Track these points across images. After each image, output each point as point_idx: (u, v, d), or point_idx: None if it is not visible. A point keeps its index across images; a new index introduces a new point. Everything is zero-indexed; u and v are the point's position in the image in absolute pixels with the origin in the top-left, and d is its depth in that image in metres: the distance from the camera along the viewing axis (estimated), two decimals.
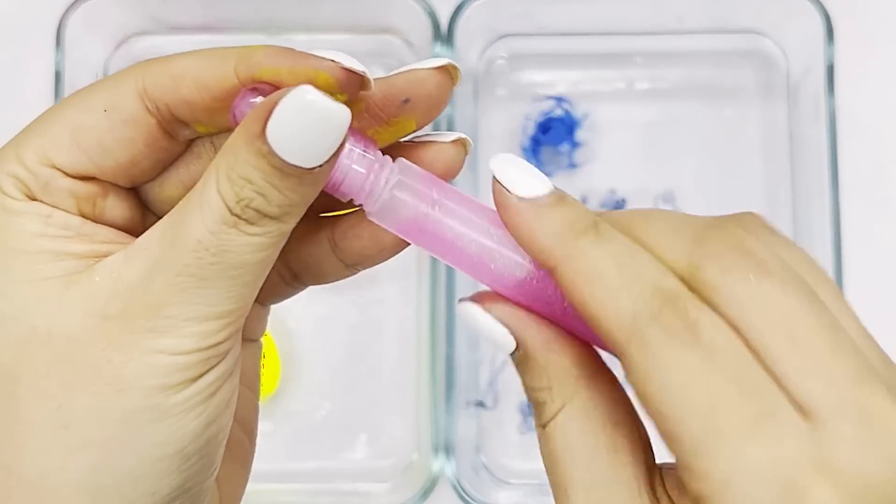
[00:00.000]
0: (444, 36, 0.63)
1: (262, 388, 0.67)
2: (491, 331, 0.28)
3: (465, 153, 0.32)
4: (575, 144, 0.67)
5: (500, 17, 0.67)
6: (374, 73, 0.72)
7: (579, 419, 0.28)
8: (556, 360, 0.28)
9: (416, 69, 0.29)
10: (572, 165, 0.67)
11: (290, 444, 0.66)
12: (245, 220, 0.25)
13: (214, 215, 0.25)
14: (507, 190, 0.28)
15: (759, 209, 0.69)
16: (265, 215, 0.25)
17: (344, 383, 0.66)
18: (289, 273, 0.32)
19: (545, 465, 0.28)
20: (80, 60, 0.65)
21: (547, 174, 0.70)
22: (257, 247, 0.26)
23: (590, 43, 0.69)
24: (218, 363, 0.26)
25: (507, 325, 0.28)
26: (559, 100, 0.68)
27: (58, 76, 0.64)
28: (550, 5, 0.67)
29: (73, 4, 0.64)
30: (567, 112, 0.67)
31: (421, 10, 0.64)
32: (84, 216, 0.27)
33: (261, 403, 0.68)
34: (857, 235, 0.67)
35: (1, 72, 0.70)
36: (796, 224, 0.67)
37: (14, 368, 0.26)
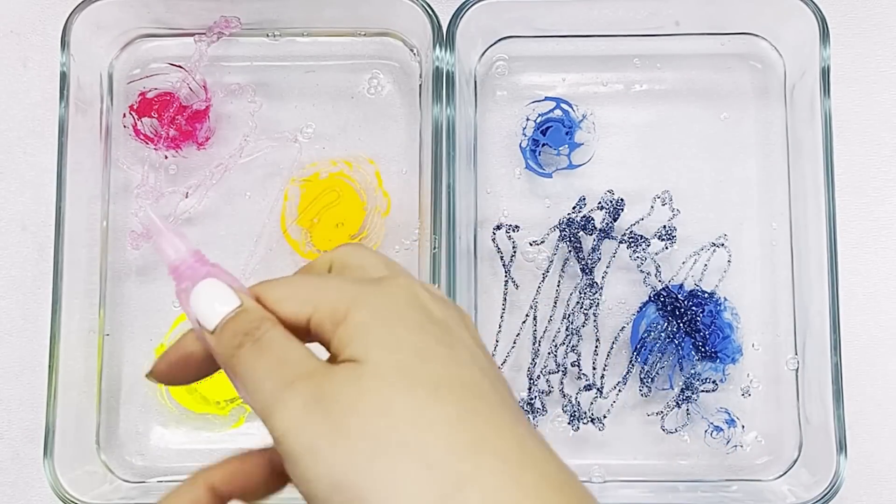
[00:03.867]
0: (444, 38, 0.64)
1: None
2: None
3: None
4: (574, 145, 0.68)
5: (499, 19, 0.67)
6: (376, 75, 0.73)
7: None
8: None
9: None
10: (571, 166, 0.68)
11: None
12: None
13: None
14: (201, 324, 0.39)
15: (756, 210, 0.70)
16: None
17: None
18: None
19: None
20: (86, 62, 0.66)
21: (546, 175, 0.71)
22: None
23: (588, 45, 0.69)
24: None
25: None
26: (558, 101, 0.68)
27: (63, 77, 0.64)
28: (549, 8, 0.67)
29: (78, 7, 0.65)
30: (566, 113, 0.68)
31: (421, 12, 0.64)
32: None
33: None
34: (853, 236, 0.68)
35: (7, 73, 0.70)
36: (792, 225, 0.67)
37: None
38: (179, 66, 0.69)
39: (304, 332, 0.39)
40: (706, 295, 0.66)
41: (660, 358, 0.66)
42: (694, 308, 0.65)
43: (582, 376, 0.66)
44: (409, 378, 0.35)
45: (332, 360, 0.37)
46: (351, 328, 0.37)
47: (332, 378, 0.36)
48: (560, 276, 0.67)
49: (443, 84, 0.63)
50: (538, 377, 0.66)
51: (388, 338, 0.36)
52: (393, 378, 0.35)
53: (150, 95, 0.68)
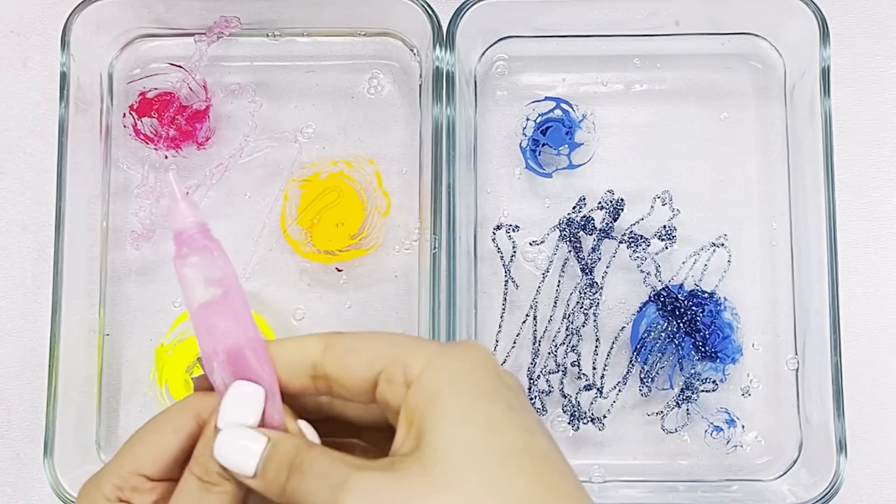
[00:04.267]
0: (444, 38, 0.64)
1: None
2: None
3: None
4: (573, 145, 0.68)
5: (499, 19, 0.67)
6: (376, 75, 0.72)
7: None
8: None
9: None
10: (571, 166, 0.68)
11: None
12: (210, 482, 0.38)
13: (192, 487, 0.38)
14: (239, 476, 0.39)
15: (756, 210, 0.70)
16: (223, 478, 0.38)
17: None
18: None
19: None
20: (86, 62, 0.66)
21: (546, 175, 0.71)
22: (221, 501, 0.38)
23: (588, 45, 0.69)
24: None
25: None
26: (558, 101, 0.68)
27: (63, 77, 0.64)
28: (549, 8, 0.67)
29: (78, 7, 0.65)
30: (566, 113, 0.68)
31: (421, 12, 0.64)
32: None
33: None
34: (853, 236, 0.68)
35: (7, 73, 0.70)
36: (792, 225, 0.67)
37: None
38: (179, 66, 0.69)
39: (367, 394, 0.38)
40: (706, 295, 0.66)
41: (660, 358, 0.66)
42: (694, 308, 0.65)
43: (582, 376, 0.66)
44: (479, 453, 0.35)
45: (400, 429, 0.37)
46: (424, 395, 0.36)
47: (394, 466, 0.35)
48: (560, 276, 0.67)
49: (443, 84, 0.63)
50: (538, 377, 0.66)
51: (459, 409, 0.36)
52: (460, 455, 0.35)
53: (150, 95, 0.68)
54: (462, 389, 0.36)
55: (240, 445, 0.38)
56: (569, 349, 0.66)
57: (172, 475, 0.40)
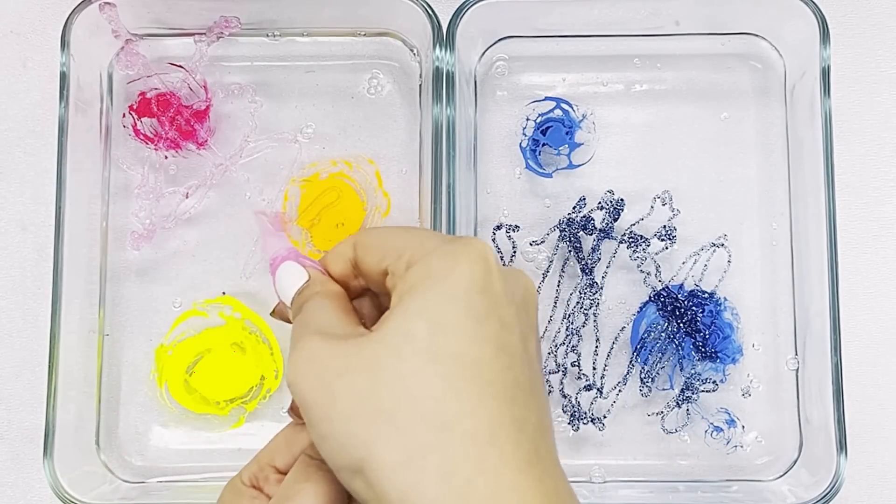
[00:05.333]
0: (444, 38, 0.64)
1: (264, 384, 0.68)
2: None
3: None
4: (573, 145, 0.68)
5: (499, 19, 0.67)
6: (376, 75, 0.73)
7: None
8: None
9: None
10: (571, 166, 0.68)
11: None
12: (319, 458, 0.40)
13: (303, 463, 0.41)
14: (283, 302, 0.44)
15: (756, 210, 0.70)
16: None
17: None
18: None
19: None
20: (85, 62, 0.66)
21: (546, 175, 0.71)
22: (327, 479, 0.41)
23: (588, 45, 0.69)
24: None
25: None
26: (558, 101, 0.68)
27: (63, 77, 0.64)
28: (550, 8, 0.67)
29: (78, 7, 0.65)
30: (566, 113, 0.68)
31: (421, 12, 0.64)
32: None
33: (263, 400, 0.69)
34: (853, 236, 0.68)
35: (7, 73, 0.70)
36: (793, 225, 0.67)
37: None
38: (180, 66, 0.69)
39: (384, 286, 0.41)
40: (706, 295, 0.66)
41: (660, 358, 0.66)
42: (694, 308, 0.65)
43: (582, 376, 0.66)
44: (409, 348, 0.37)
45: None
46: (405, 287, 0.38)
47: (337, 341, 0.38)
48: (560, 276, 0.67)
49: (443, 84, 0.63)
50: None
51: (421, 303, 0.38)
52: (392, 347, 0.37)
53: (149, 95, 0.68)
54: (435, 286, 0.38)
55: (288, 277, 0.43)
56: (569, 349, 0.66)
57: None
